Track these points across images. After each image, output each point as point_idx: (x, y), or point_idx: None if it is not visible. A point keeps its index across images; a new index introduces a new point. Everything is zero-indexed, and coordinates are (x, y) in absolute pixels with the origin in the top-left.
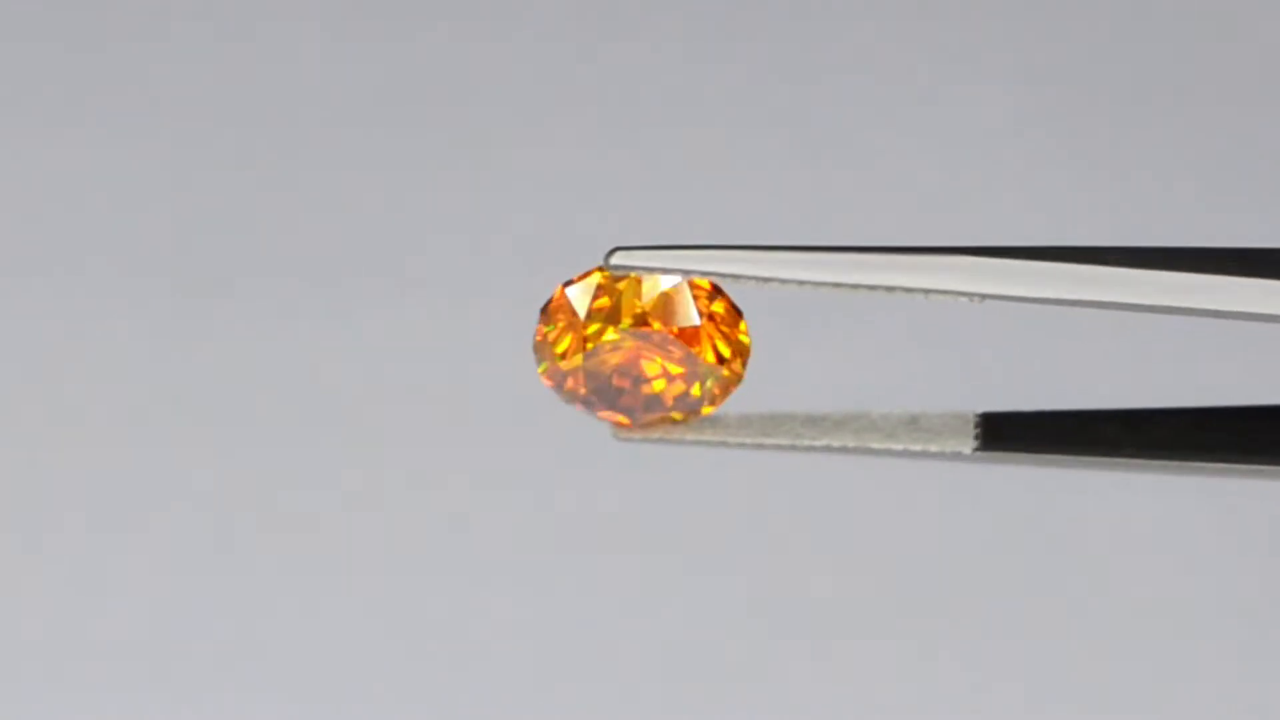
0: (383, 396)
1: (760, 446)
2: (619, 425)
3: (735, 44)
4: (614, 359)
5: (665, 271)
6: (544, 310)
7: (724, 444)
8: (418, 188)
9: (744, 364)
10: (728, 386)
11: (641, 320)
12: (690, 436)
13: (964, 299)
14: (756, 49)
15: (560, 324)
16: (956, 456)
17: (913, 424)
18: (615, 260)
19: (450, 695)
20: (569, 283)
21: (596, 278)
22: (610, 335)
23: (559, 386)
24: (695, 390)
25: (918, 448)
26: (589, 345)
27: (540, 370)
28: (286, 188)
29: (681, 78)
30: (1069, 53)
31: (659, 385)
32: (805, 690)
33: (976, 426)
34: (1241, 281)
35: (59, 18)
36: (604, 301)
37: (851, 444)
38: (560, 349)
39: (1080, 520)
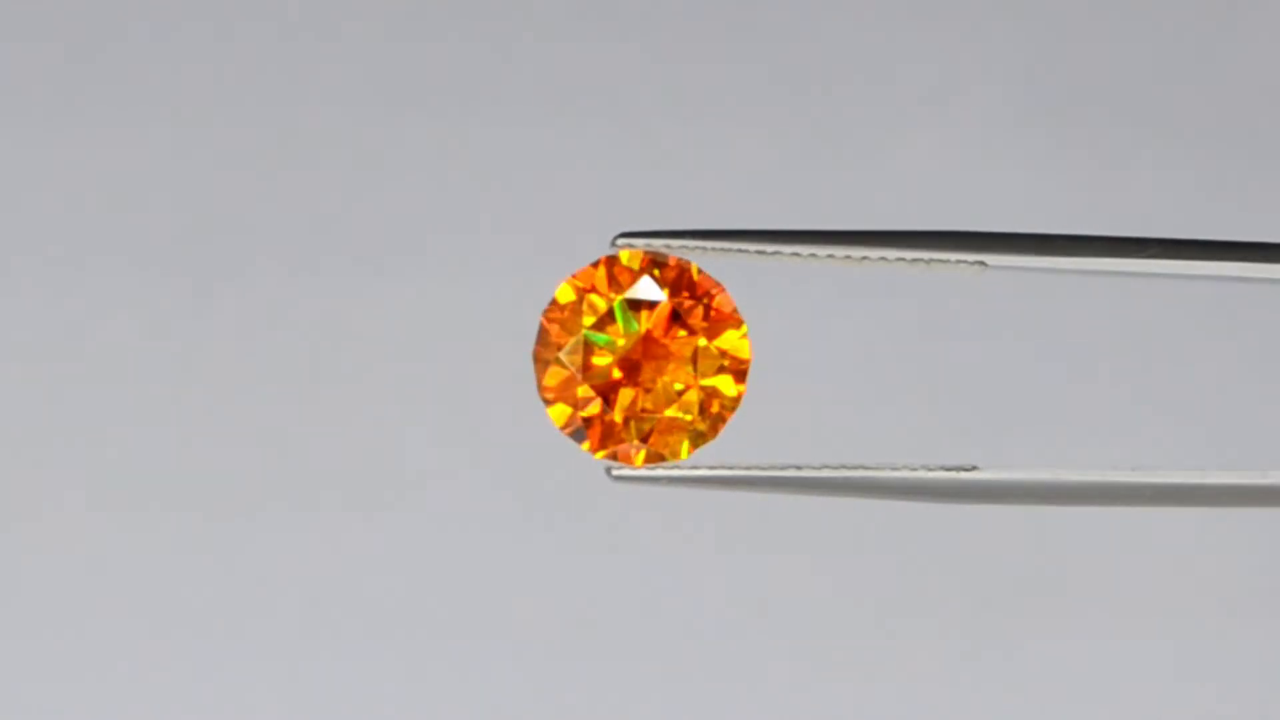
0: (384, 390)
1: (759, 485)
2: (616, 461)
3: (737, 44)
4: (615, 369)
5: (669, 250)
6: (549, 311)
7: (718, 484)
8: (420, 181)
9: (743, 383)
10: (728, 404)
11: (644, 338)
12: (686, 474)
13: (965, 265)
14: (758, 49)
15: (564, 328)
16: (959, 474)
17: (910, 467)
18: (621, 244)
19: (449, 693)
20: (575, 277)
21: (601, 272)
22: (612, 345)
23: (561, 406)
24: (692, 409)
25: (919, 470)
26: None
27: (543, 393)
28: (288, 183)
29: (683, 77)
30: (1069, 53)
31: (661, 389)
32: (805, 690)
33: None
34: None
35: (61, 11)
36: (605, 305)
37: (854, 474)
38: (564, 396)
39: (1079, 521)
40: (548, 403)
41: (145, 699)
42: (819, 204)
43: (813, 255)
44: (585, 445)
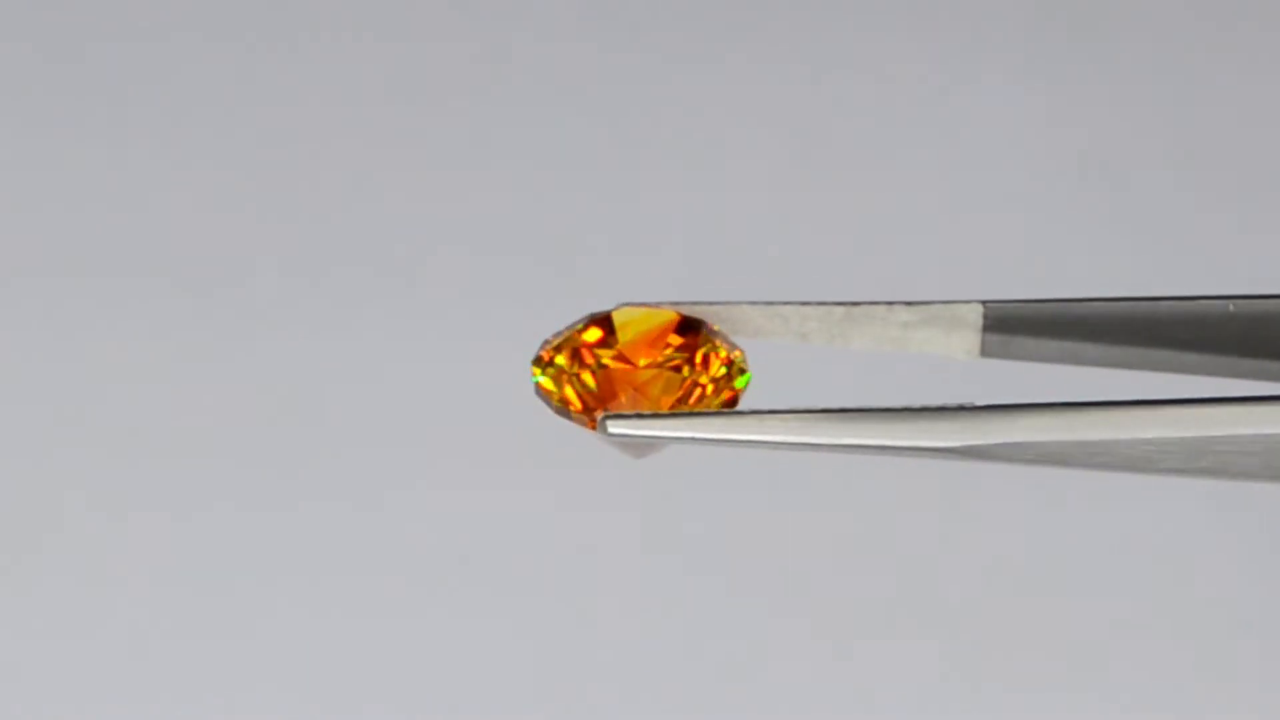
0: (385, 406)
1: (756, 443)
2: (608, 417)
3: (737, 46)
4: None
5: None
6: (541, 353)
7: (716, 441)
8: (423, 197)
9: (739, 389)
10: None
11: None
12: (683, 433)
13: (965, 305)
14: (758, 50)
15: (558, 356)
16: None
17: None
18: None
19: (450, 700)
20: (574, 326)
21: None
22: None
23: (552, 397)
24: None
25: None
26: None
27: (535, 378)
28: (292, 195)
29: (683, 78)
30: (1070, 52)
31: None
32: (805, 691)
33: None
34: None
35: (59, 18)
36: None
37: (855, 429)
38: (559, 383)
39: (1082, 520)
40: (544, 396)
41: (142, 702)
42: (818, 207)
43: (813, 308)
44: (572, 415)
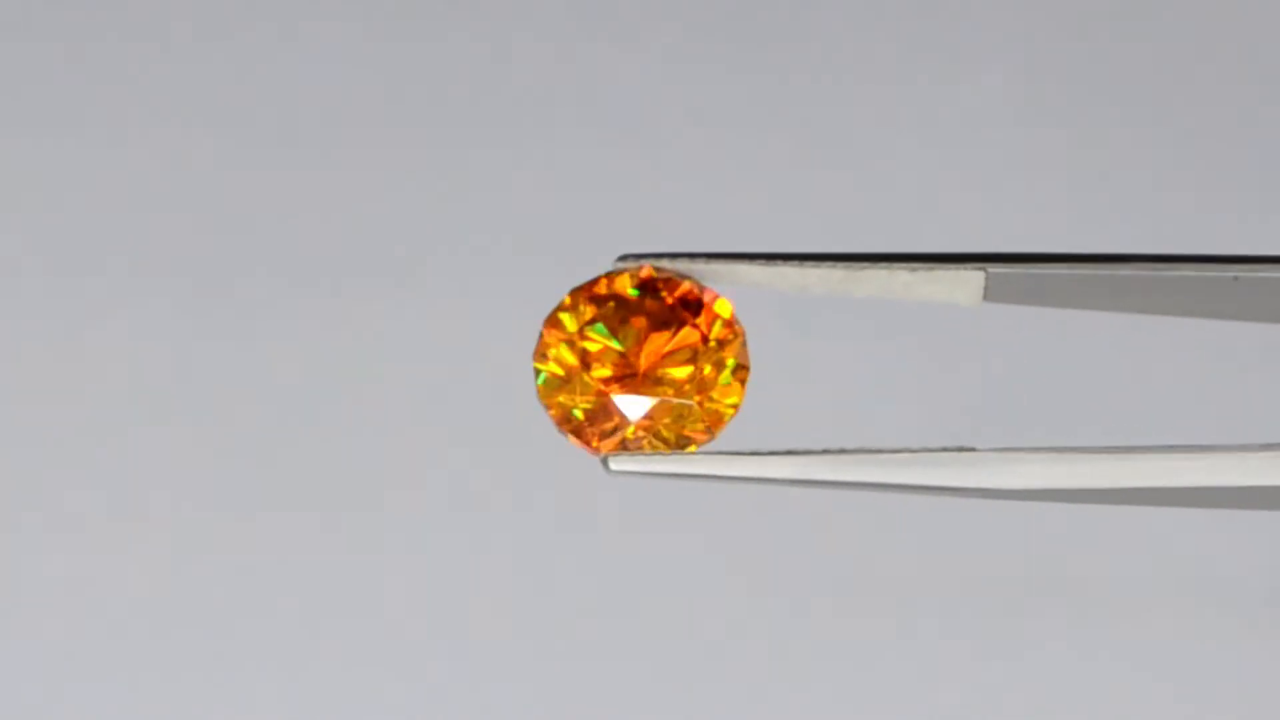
0: (385, 400)
1: (757, 477)
2: (611, 452)
3: (736, 44)
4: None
5: (671, 265)
6: (549, 319)
7: (717, 477)
8: (422, 189)
9: (742, 389)
10: (721, 418)
11: (633, 371)
12: (685, 469)
13: (967, 271)
14: (757, 49)
15: (560, 353)
16: (957, 453)
17: (908, 449)
18: (622, 267)
19: (451, 695)
20: (576, 289)
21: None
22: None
23: (556, 412)
24: (688, 426)
25: (918, 451)
26: (584, 397)
27: (539, 388)
28: (291, 189)
29: (683, 77)
30: (1070, 51)
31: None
32: (807, 690)
33: (967, 449)
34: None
35: (60, 16)
36: (603, 345)
37: (854, 457)
38: (562, 394)
39: (1081, 522)
40: (547, 407)
41: (139, 703)
42: (817, 205)
43: (814, 265)
44: (573, 439)
